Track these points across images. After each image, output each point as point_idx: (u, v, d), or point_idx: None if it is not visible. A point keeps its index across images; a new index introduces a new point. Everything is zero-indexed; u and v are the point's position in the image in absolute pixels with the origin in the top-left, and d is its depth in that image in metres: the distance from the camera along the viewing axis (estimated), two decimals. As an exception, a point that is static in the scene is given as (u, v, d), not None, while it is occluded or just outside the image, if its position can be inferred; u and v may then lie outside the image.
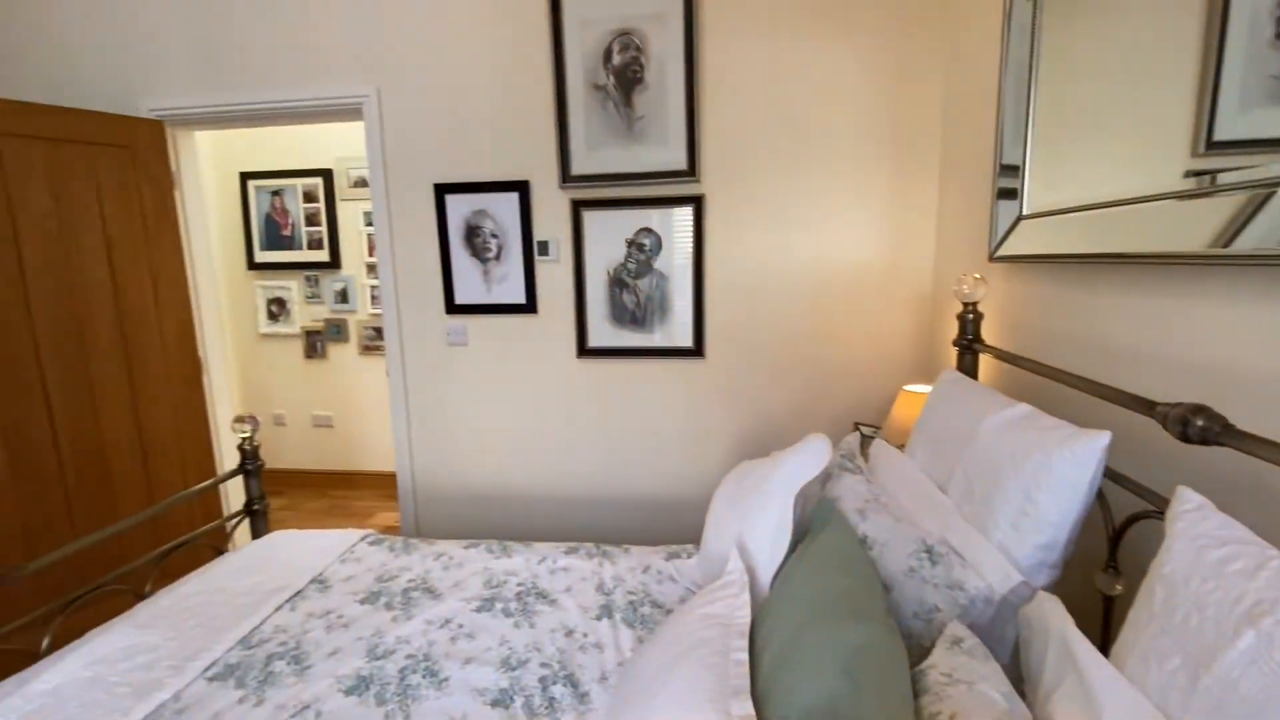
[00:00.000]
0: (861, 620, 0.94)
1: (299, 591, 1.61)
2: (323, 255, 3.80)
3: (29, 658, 1.41)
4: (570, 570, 1.71)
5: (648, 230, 2.32)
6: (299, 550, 1.83)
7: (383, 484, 3.96)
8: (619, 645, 1.39)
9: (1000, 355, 1.59)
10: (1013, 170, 1.60)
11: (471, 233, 2.40)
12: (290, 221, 3.80)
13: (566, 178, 2.31)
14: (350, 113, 2.41)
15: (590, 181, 2.30)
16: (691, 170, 2.24)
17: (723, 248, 2.30)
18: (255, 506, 2.02)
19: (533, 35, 2.26)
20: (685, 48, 2.17)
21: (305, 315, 3.90)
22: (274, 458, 3.80)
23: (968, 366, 1.75)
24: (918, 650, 1.05)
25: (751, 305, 2.32)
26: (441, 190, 2.38)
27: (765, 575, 1.32)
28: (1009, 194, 1.63)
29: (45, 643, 1.43)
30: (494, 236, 2.40)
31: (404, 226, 2.44)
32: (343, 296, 3.83)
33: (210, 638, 1.40)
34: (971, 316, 1.72)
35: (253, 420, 1.98)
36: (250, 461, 1.99)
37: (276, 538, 1.92)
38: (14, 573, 1.37)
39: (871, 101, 2.16)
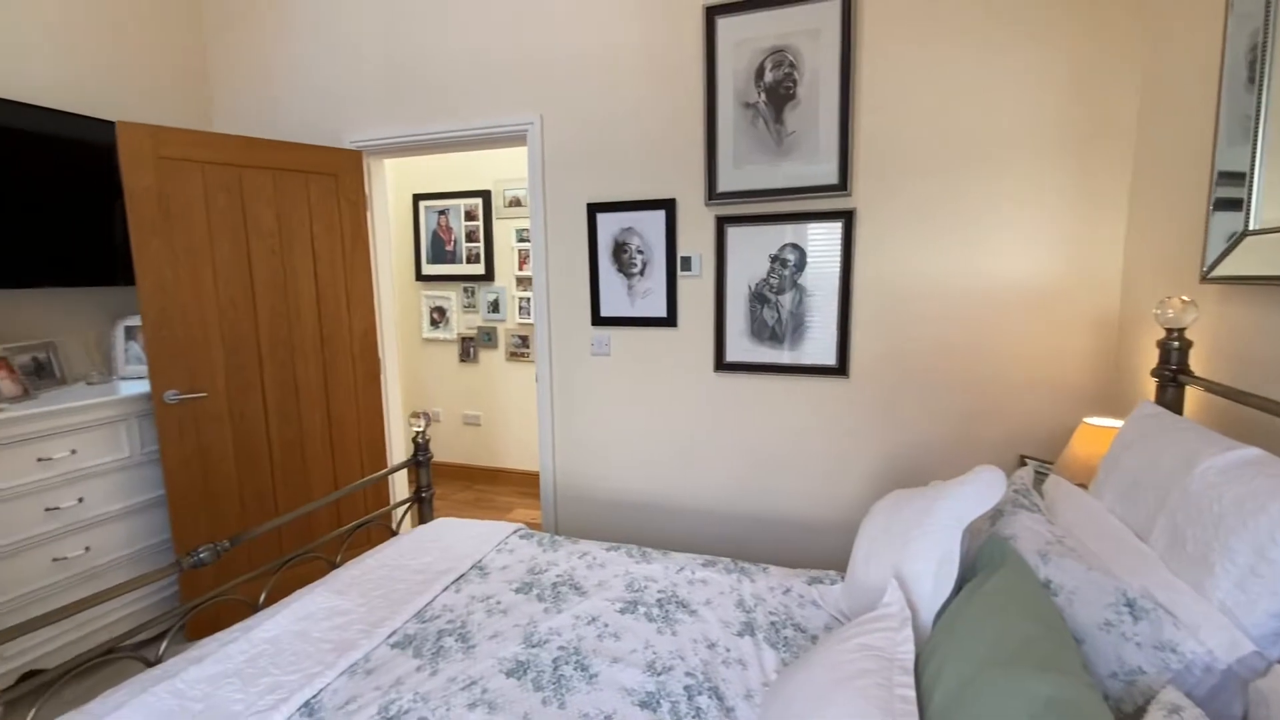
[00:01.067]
0: (1051, 671, 0.86)
1: (462, 575, 1.76)
2: (479, 269, 4.15)
3: (249, 608, 1.67)
4: (709, 583, 1.72)
5: (793, 246, 2.29)
6: (460, 536, 2.01)
7: (520, 481, 4.22)
8: (762, 665, 1.37)
9: (1219, 390, 1.38)
10: (1235, 178, 1.40)
11: (619, 249, 2.51)
12: (453, 238, 4.20)
13: (712, 195, 2.35)
14: (515, 139, 2.62)
15: (736, 198, 2.32)
16: (843, 184, 2.18)
17: (873, 263, 2.21)
18: (423, 494, 2.24)
19: (685, 59, 2.33)
20: (841, 61, 2.14)
21: (462, 323, 4.27)
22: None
23: (1170, 400, 1.54)
24: (1116, 715, 0.94)
25: (902, 324, 2.21)
26: (594, 209, 2.52)
27: (927, 612, 1.25)
28: (1229, 205, 1.42)
29: (262, 597, 1.69)
30: (640, 252, 2.49)
31: (558, 243, 2.61)
32: (494, 306, 4.15)
33: (391, 609, 1.57)
34: (1177, 344, 1.52)
35: (426, 416, 2.20)
36: (422, 454, 2.22)
37: (441, 524, 2.12)
38: (244, 536, 1.62)
39: (1049, 107, 1.99)
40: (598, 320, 2.59)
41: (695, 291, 2.44)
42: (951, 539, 1.29)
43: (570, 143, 2.53)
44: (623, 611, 1.57)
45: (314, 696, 1.26)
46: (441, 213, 4.21)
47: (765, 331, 2.36)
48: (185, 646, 1.49)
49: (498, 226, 4.10)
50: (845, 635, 1.19)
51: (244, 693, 1.26)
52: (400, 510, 2.26)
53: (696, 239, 2.42)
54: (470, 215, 4.14)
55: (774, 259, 2.31)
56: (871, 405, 2.28)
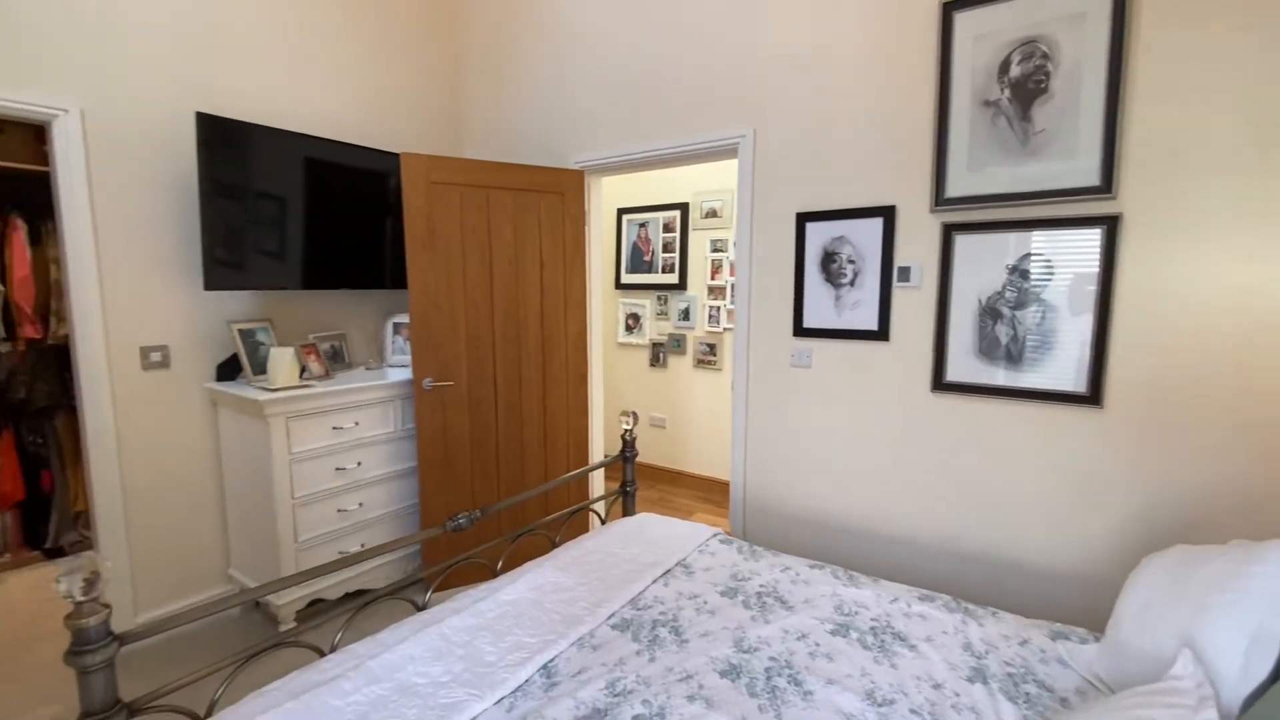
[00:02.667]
0: None
1: (668, 570, 1.84)
2: (673, 278, 4.31)
3: (490, 571, 1.90)
4: (927, 619, 1.60)
5: (1036, 256, 2.05)
6: (662, 533, 2.10)
7: (700, 485, 4.29)
8: (1000, 717, 1.24)
9: None
10: None
11: (828, 258, 2.45)
12: (651, 248, 4.41)
13: (939, 200, 2.19)
14: (727, 152, 2.69)
15: (967, 203, 2.14)
16: (1106, 186, 1.90)
17: (1143, 278, 1.90)
18: (628, 488, 2.38)
19: (914, 60, 2.21)
20: (1110, 47, 1.87)
21: (654, 329, 4.47)
22: (617, 447, 4.41)
23: None
24: None
25: (1179, 350, 1.86)
26: (803, 219, 2.49)
27: (1232, 694, 1.04)
28: None
29: (499, 564, 1.92)
30: (850, 262, 2.40)
31: (762, 252, 2.62)
32: (685, 314, 4.28)
33: (608, 592, 1.69)
34: None
35: (634, 415, 2.34)
36: (629, 450, 2.36)
37: (643, 519, 2.23)
38: (493, 508, 1.86)
39: None
40: (800, 331, 2.54)
41: (912, 304, 2.29)
42: (1269, 612, 1.06)
43: (781, 153, 2.53)
44: (834, 633, 1.53)
45: (550, 660, 1.40)
46: (642, 225, 4.44)
47: (996, 350, 2.14)
48: (426, 599, 1.75)
49: (693, 237, 4.23)
50: (1120, 705, 1.03)
51: (495, 646, 1.44)
52: (609, 502, 2.42)
53: (917, 248, 2.27)
54: (668, 227, 4.32)
55: (1012, 270, 2.09)
56: (1131, 440, 1.95)
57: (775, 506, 2.68)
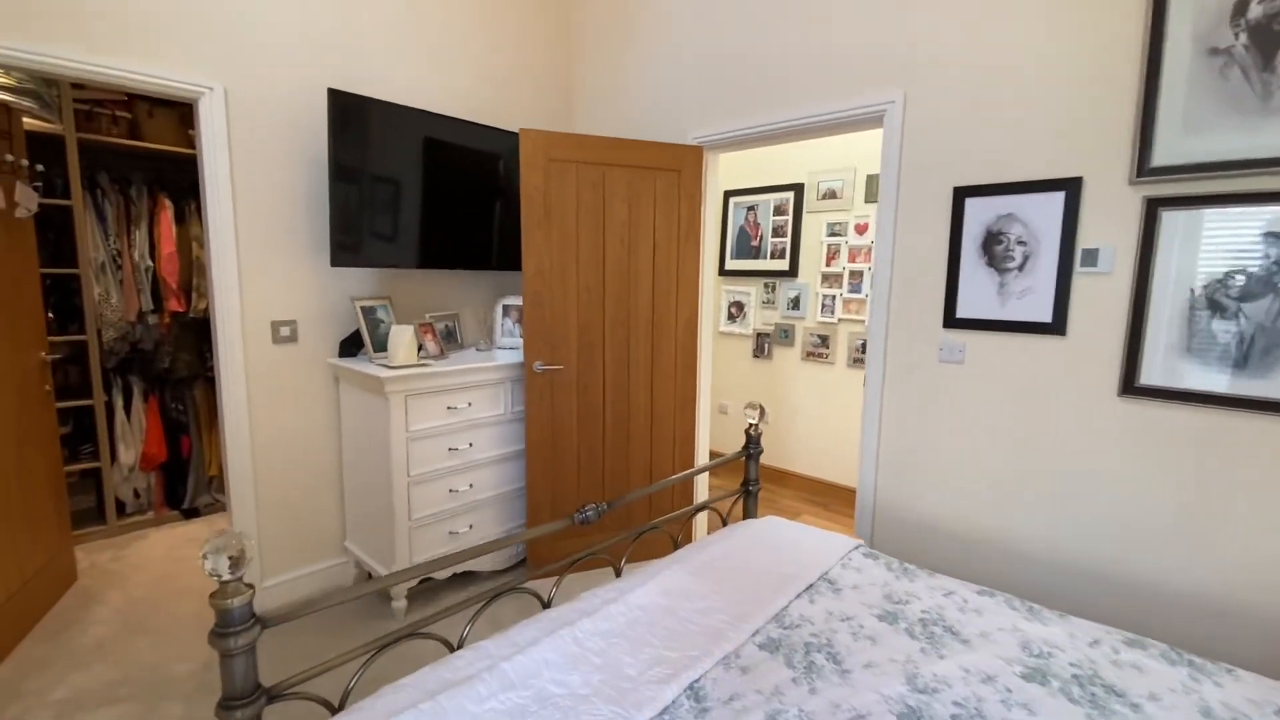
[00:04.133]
0: None
1: (811, 585, 1.65)
2: (783, 264, 4.05)
3: (602, 565, 1.77)
4: (1145, 671, 1.32)
5: (1274, 236, 1.68)
6: (794, 540, 1.90)
7: (806, 487, 4.04)
8: (1282, 817, 0.97)
9: None
10: None
11: (992, 240, 2.14)
12: (759, 233, 4.17)
13: (1143, 170, 1.84)
14: (870, 121, 2.42)
15: (1182, 173, 1.78)
16: (1391, 148, 1.51)
17: None
18: (750, 488, 2.19)
19: (1112, 4, 1.86)
20: None
21: (759, 318, 4.23)
22: (716, 442, 4.23)
23: None
24: None
25: None
26: (962, 194, 2.19)
27: None
28: None
29: (623, 561, 1.79)
30: (1020, 244, 2.09)
31: (910, 234, 2.34)
32: (795, 303, 4.02)
33: (748, 605, 1.52)
34: None
35: (761, 409, 2.15)
36: (754, 446, 2.17)
37: (771, 522, 2.04)
38: (619, 501, 1.73)
39: None
40: (951, 322, 2.25)
41: (1098, 292, 1.96)
42: None
43: (937, 118, 2.24)
44: (1027, 679, 1.28)
45: (696, 680, 1.25)
46: (750, 208, 4.21)
47: (1213, 350, 1.78)
48: (551, 595, 1.63)
49: (807, 220, 3.95)
50: None
51: (634, 658, 1.30)
52: (731, 502, 2.25)
53: (1107, 228, 1.93)
54: (779, 210, 4.06)
55: (1241, 252, 1.72)
56: (1407, 470, 1.55)
57: (913, 518, 2.41)
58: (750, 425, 2.17)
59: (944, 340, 2.29)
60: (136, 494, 3.37)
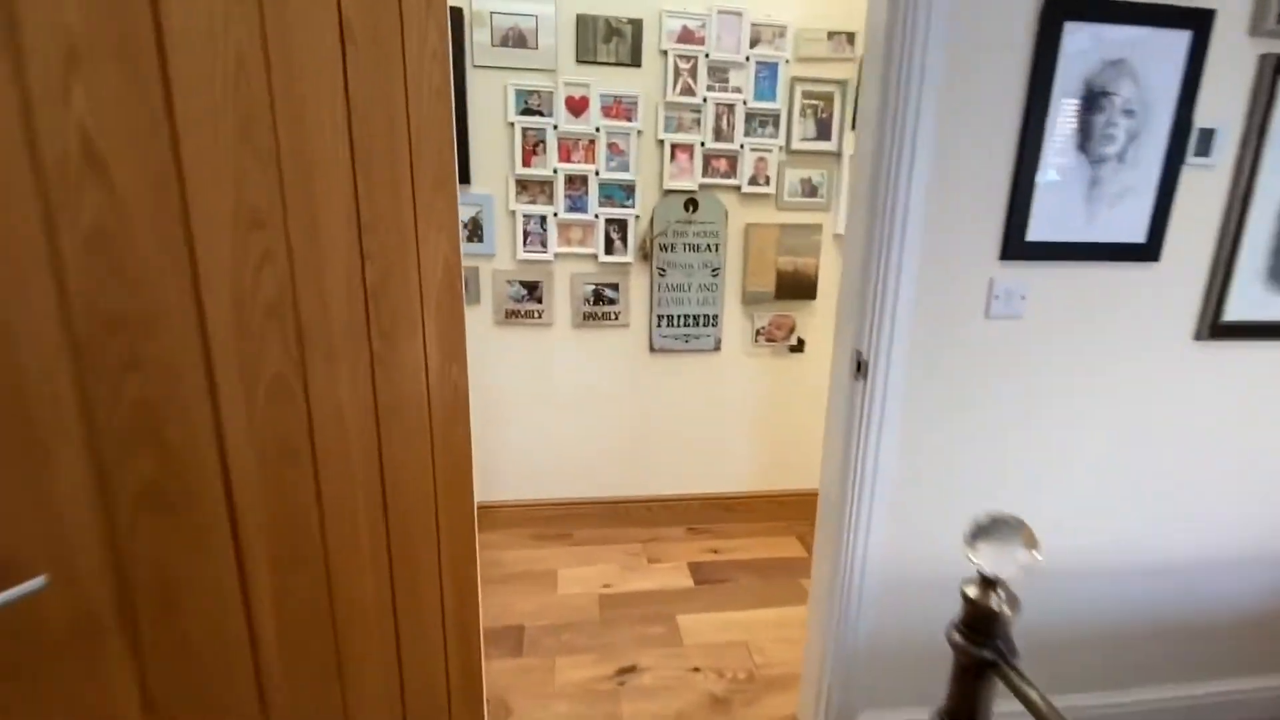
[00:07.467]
0: None
1: None
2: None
3: None
4: None
5: (1348, 125, 1.36)
6: None
7: (523, 519, 2.59)
8: None
9: None
10: None
11: (1091, 104, 1.25)
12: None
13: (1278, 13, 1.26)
14: None
15: (1314, 24, 1.27)
16: None
17: None
18: None
19: None
20: None
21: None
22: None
23: None
24: None
25: None
26: (1058, 11, 1.19)
27: None
28: None
29: None
30: (1126, 114, 1.27)
31: (955, 85, 1.21)
32: (475, 233, 2.31)
33: None
34: None
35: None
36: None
37: None
38: None
39: None
40: (1013, 250, 1.31)
41: (1205, 195, 1.35)
42: None
43: None
44: None
45: None
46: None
47: (1308, 274, 1.41)
48: None
49: (475, 82, 2.23)
50: None
51: None
52: None
53: (1221, 98, 1.31)
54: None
55: (1354, 145, 1.35)
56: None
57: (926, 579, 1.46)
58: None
59: (999, 282, 1.33)
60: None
